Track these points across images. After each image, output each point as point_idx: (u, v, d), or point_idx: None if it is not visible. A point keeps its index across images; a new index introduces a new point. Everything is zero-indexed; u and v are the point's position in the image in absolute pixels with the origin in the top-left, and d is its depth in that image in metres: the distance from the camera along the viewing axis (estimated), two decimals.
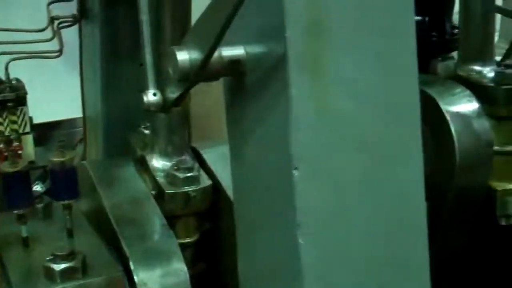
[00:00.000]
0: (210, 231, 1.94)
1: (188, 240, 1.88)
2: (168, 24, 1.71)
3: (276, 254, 1.21)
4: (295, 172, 1.11)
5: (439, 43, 2.33)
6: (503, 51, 3.24)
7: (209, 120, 2.28)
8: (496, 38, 3.46)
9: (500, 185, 1.88)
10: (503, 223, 1.91)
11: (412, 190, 1.20)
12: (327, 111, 1.12)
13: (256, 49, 1.17)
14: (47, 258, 1.55)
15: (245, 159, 1.26)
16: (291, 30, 1.08)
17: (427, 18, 2.27)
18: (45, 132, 3.13)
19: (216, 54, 1.16)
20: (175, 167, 1.84)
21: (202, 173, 1.87)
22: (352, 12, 1.12)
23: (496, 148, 1.85)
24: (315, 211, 1.13)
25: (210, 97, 1.84)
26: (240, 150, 1.27)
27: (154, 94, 1.57)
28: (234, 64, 1.18)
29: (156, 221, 1.77)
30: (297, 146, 1.11)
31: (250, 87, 1.20)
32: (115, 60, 2.01)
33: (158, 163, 1.89)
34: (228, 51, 1.18)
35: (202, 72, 1.17)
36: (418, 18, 2.27)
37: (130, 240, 1.69)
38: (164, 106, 1.54)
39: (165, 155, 1.89)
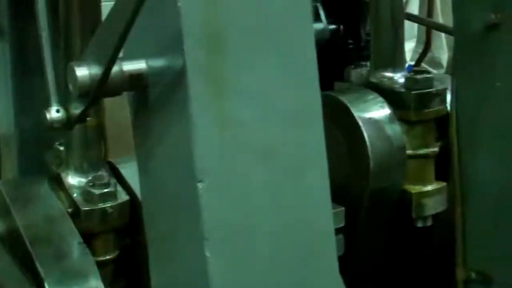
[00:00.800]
0: (130, 246, 1.91)
1: (107, 257, 1.84)
2: (77, 39, 1.68)
3: (186, 268, 1.20)
4: (199, 185, 1.11)
5: (355, 51, 2.38)
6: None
7: (126, 134, 2.25)
8: (413, 44, 3.58)
9: (415, 188, 1.93)
10: (420, 225, 1.95)
11: (319, 197, 1.22)
12: (230, 123, 1.12)
13: (157, 62, 1.16)
14: None
15: (152, 173, 1.25)
16: (189, 43, 1.08)
17: (342, 26, 2.32)
18: None
19: (117, 68, 1.15)
20: (91, 184, 1.80)
21: (119, 188, 1.85)
22: (251, 24, 1.13)
23: (408, 152, 1.90)
24: (221, 224, 1.13)
25: (126, 110, 1.82)
26: (147, 164, 1.26)
27: (57, 111, 1.54)
28: (136, 78, 1.17)
29: (72, 240, 1.73)
30: (201, 159, 1.11)
31: (153, 101, 1.19)
32: (25, 76, 1.96)
33: (73, 180, 1.85)
34: (129, 65, 1.17)
35: (103, 87, 1.15)
36: (333, 26, 2.31)
37: (45, 260, 1.65)
38: (68, 122, 1.51)
39: (80, 171, 1.85)
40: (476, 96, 1.64)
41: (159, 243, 1.29)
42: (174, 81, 1.11)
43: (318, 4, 2.23)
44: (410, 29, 3.24)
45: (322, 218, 1.22)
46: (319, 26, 2.22)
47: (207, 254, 1.12)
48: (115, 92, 1.19)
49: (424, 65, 3.38)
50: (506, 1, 1.53)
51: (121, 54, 1.23)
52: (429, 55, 3.30)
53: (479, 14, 1.57)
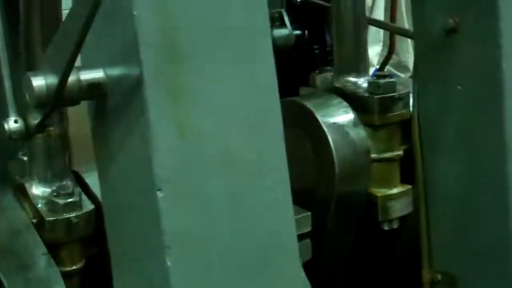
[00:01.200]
0: (97, 256, 1.89)
1: (73, 267, 1.82)
2: (37, 48, 1.67)
3: (148, 276, 1.19)
4: (159, 194, 1.11)
5: (321, 56, 2.40)
6: (390, 60, 3.37)
7: (90, 142, 2.23)
8: (380, 48, 3.61)
9: (381, 191, 1.93)
10: (386, 227, 1.96)
11: (280, 204, 1.22)
12: (189, 131, 1.12)
13: (115, 71, 1.16)
14: None
15: (112, 182, 1.25)
16: (145, 51, 1.07)
17: (307, 32, 2.33)
18: None
19: (74, 78, 1.14)
20: (55, 193, 1.79)
21: (84, 197, 1.83)
22: (209, 32, 1.13)
23: (373, 155, 1.91)
24: (182, 233, 1.13)
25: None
26: (108, 173, 1.26)
27: (16, 121, 1.53)
28: (94, 87, 1.17)
29: (37, 251, 1.72)
30: (160, 168, 1.11)
31: (112, 110, 1.19)
32: None
33: (38, 190, 1.83)
34: (87, 75, 1.16)
35: (61, 96, 1.15)
36: (298, 32, 2.32)
37: (9, 272, 1.63)
38: (27, 133, 1.50)
39: (44, 181, 1.83)
40: (437, 100, 1.66)
41: (121, 252, 1.29)
42: (132, 90, 1.11)
43: (283, 10, 2.24)
44: (376, 33, 3.27)
45: (284, 225, 1.23)
46: (284, 32, 2.22)
47: (168, 263, 1.11)
48: (73, 101, 1.18)
49: (391, 69, 3.44)
50: (463, 6, 1.55)
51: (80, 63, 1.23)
52: (396, 59, 3.35)
53: (438, 19, 1.59)
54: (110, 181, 1.25)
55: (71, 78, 1.14)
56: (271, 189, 1.20)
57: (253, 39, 1.17)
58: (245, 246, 1.18)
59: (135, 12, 1.06)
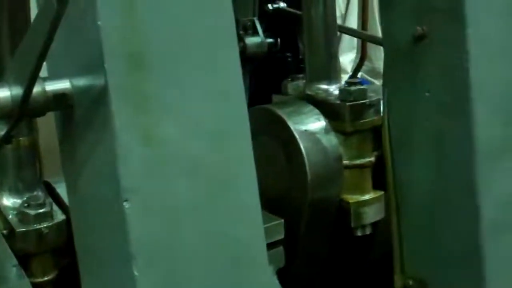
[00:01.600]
0: (69, 266, 1.88)
1: (45, 278, 1.80)
2: (7, 59, 1.66)
3: (116, 287, 1.19)
4: (126, 204, 1.10)
5: (293, 63, 2.41)
6: (364, 67, 3.39)
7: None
8: (354, 55, 3.63)
9: (353, 198, 1.94)
10: (359, 233, 1.97)
11: (249, 212, 1.22)
12: (155, 141, 1.12)
13: (80, 81, 1.15)
14: None
15: (80, 193, 1.24)
16: (110, 62, 1.07)
17: (279, 39, 2.34)
18: None
19: (39, 88, 1.14)
20: (26, 204, 1.77)
21: (56, 208, 1.82)
22: (174, 42, 1.13)
23: (345, 162, 1.91)
24: (149, 242, 1.12)
25: None
26: (75, 184, 1.25)
27: None
28: (60, 98, 1.16)
29: (7, 262, 1.70)
30: (126, 178, 1.10)
31: (78, 120, 1.19)
32: None
33: (8, 201, 1.81)
34: (53, 85, 1.16)
35: (27, 107, 1.14)
36: (271, 40, 2.33)
37: None
38: None
39: (15, 192, 1.82)
40: (407, 106, 1.67)
41: (89, 263, 1.28)
42: (97, 100, 1.11)
43: (255, 18, 2.25)
44: (350, 40, 3.29)
45: (253, 233, 1.23)
46: (256, 39, 2.23)
47: (136, 273, 1.11)
48: (39, 112, 1.18)
49: (365, 76, 3.46)
50: (430, 13, 1.56)
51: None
52: (369, 65, 3.37)
53: (406, 26, 1.60)
54: (77, 192, 1.25)
55: (37, 89, 1.14)
56: (239, 197, 1.20)
57: (219, 47, 1.17)
58: (213, 255, 1.18)
59: (99, 23, 1.06)
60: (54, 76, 1.18)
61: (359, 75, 3.39)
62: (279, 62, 2.38)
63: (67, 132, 1.24)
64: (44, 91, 1.15)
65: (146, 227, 1.12)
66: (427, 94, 1.62)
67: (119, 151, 1.09)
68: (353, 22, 3.14)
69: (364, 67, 3.38)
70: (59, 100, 1.16)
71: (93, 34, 1.07)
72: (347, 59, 3.39)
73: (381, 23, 1.68)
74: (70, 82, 1.16)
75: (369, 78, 3.33)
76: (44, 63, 1.16)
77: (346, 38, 3.28)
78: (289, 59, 2.40)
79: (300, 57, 2.41)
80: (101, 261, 1.23)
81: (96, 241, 1.23)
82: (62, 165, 1.28)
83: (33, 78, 1.07)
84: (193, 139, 1.15)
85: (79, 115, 1.18)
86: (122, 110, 1.08)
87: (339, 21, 3.39)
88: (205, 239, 1.17)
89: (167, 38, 1.12)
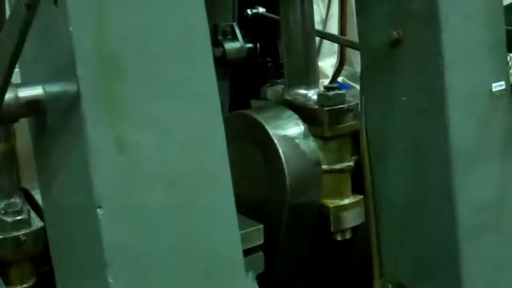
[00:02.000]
0: (47, 274, 1.87)
1: (24, 285, 1.79)
2: None
3: None
4: (99, 211, 1.10)
5: (273, 68, 2.41)
6: (345, 72, 3.40)
7: None
8: (335, 60, 3.63)
9: (333, 202, 1.94)
10: (339, 238, 1.97)
11: (224, 219, 1.22)
12: (129, 148, 1.12)
13: (54, 88, 1.15)
14: None
15: (54, 200, 1.24)
16: (82, 68, 1.07)
17: (258, 44, 2.34)
18: None
19: (12, 95, 1.13)
20: (3, 211, 1.76)
21: (33, 215, 1.81)
22: (148, 49, 1.13)
23: (324, 167, 1.92)
24: (123, 249, 1.12)
25: None
26: (49, 190, 1.25)
27: None
28: (33, 104, 1.16)
29: None
30: (99, 185, 1.10)
31: (51, 127, 1.18)
32: None
33: None
34: (25, 92, 1.15)
35: None
36: (250, 45, 2.33)
37: None
38: None
39: None
40: (383, 111, 1.68)
41: (64, 270, 1.27)
42: (70, 107, 1.10)
43: (234, 23, 2.25)
44: (331, 45, 3.30)
45: (229, 240, 1.22)
46: (236, 45, 2.24)
47: (110, 280, 1.11)
48: (11, 118, 1.17)
49: (346, 80, 3.47)
50: (406, 18, 1.57)
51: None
52: (350, 70, 3.37)
53: (382, 31, 1.61)
54: (51, 198, 1.24)
55: (9, 95, 1.13)
56: (214, 203, 1.20)
57: (194, 53, 1.17)
58: (188, 262, 1.18)
59: (71, 28, 1.05)
60: (27, 82, 1.18)
61: (340, 79, 3.41)
62: (258, 67, 2.38)
63: (40, 139, 1.23)
64: (17, 98, 1.14)
65: (120, 233, 1.11)
66: (403, 98, 1.63)
67: (92, 158, 1.09)
68: (333, 27, 3.15)
69: (345, 72, 3.40)
70: (32, 106, 1.16)
71: (65, 41, 1.07)
72: (328, 63, 3.40)
73: (358, 28, 1.68)
74: (43, 88, 1.16)
75: (350, 82, 3.34)
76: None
77: (327, 43, 3.29)
78: (269, 64, 2.40)
79: (280, 62, 2.41)
80: (76, 268, 1.22)
81: (71, 248, 1.22)
82: (36, 172, 1.28)
83: (5, 84, 1.07)
84: (167, 146, 1.15)
85: (52, 121, 1.17)
86: (94, 117, 1.08)
87: (319, 26, 3.40)
88: (180, 246, 1.17)
89: (139, 44, 1.11)
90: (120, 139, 1.10)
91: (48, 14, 1.08)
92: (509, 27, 1.67)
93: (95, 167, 1.09)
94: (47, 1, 1.05)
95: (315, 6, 3.41)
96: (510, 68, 2.00)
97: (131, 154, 1.12)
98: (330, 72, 3.25)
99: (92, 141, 1.08)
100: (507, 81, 1.66)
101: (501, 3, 1.69)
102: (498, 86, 1.63)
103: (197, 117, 1.18)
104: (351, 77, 3.33)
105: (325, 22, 3.44)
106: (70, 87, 1.09)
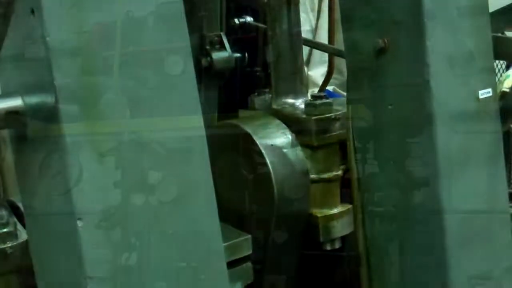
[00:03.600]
0: (34, 287, 1.85)
1: None
2: None
3: None
4: (79, 223, 1.09)
5: (262, 78, 2.40)
6: (336, 81, 3.39)
7: None
8: (325, 69, 3.62)
9: (321, 212, 1.94)
10: (328, 247, 1.96)
11: (207, 230, 1.21)
12: (108, 158, 1.11)
13: (33, 99, 1.14)
14: None
15: (35, 212, 1.22)
16: (59, 79, 1.06)
17: (246, 54, 2.34)
18: None
19: None
20: None
21: (20, 227, 1.79)
22: (126, 57, 1.12)
23: (313, 176, 1.91)
24: (104, 262, 1.11)
25: None
26: (31, 202, 1.23)
27: None
28: (12, 115, 1.15)
29: None
30: (79, 196, 1.09)
31: (31, 138, 1.17)
32: None
33: None
34: (4, 103, 1.14)
35: None
36: (238, 54, 2.32)
37: None
38: None
39: None
40: (370, 119, 1.67)
41: (47, 283, 1.26)
42: (49, 117, 1.09)
43: (222, 33, 2.24)
44: (321, 54, 3.29)
45: (212, 252, 1.21)
46: (223, 54, 2.23)
47: None
48: None
49: (337, 89, 3.46)
50: (391, 26, 1.57)
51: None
52: (340, 79, 3.36)
53: (368, 39, 1.60)
54: (33, 210, 1.23)
55: None
56: (195, 214, 1.19)
57: (175, 63, 1.16)
58: (171, 275, 1.16)
59: (48, 38, 1.05)
60: (6, 93, 1.17)
61: (331, 88, 3.40)
62: (246, 77, 2.38)
63: (20, 150, 1.22)
64: None
65: (100, 246, 1.10)
66: (389, 107, 1.62)
67: (71, 169, 1.08)
68: (323, 35, 3.14)
69: (335, 81, 3.38)
70: (12, 117, 1.15)
71: (43, 51, 1.06)
72: (318, 73, 3.38)
73: (344, 36, 1.68)
74: (23, 99, 1.15)
75: (340, 91, 3.33)
76: None
77: (317, 52, 3.28)
78: (257, 73, 2.40)
79: (269, 71, 2.41)
80: (57, 279, 1.21)
81: (53, 261, 1.21)
82: (18, 183, 1.26)
83: None
84: (148, 156, 1.14)
85: (32, 132, 1.16)
86: (73, 127, 1.07)
87: (309, 35, 3.39)
88: (161, 260, 1.16)
89: (118, 53, 1.11)
90: (99, 149, 1.09)
91: (26, 24, 1.07)
92: (495, 34, 1.67)
93: (75, 178, 1.08)
94: (24, 11, 1.04)
95: (305, 16, 3.43)
96: (497, 75, 1.99)
97: (111, 165, 1.11)
98: (320, 81, 3.24)
99: (72, 152, 1.07)
100: (494, 88, 1.65)
101: (488, 10, 1.69)
102: (485, 93, 1.62)
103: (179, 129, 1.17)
104: (342, 86, 3.32)
105: (315, 31, 3.43)
106: (48, 98, 1.08)
